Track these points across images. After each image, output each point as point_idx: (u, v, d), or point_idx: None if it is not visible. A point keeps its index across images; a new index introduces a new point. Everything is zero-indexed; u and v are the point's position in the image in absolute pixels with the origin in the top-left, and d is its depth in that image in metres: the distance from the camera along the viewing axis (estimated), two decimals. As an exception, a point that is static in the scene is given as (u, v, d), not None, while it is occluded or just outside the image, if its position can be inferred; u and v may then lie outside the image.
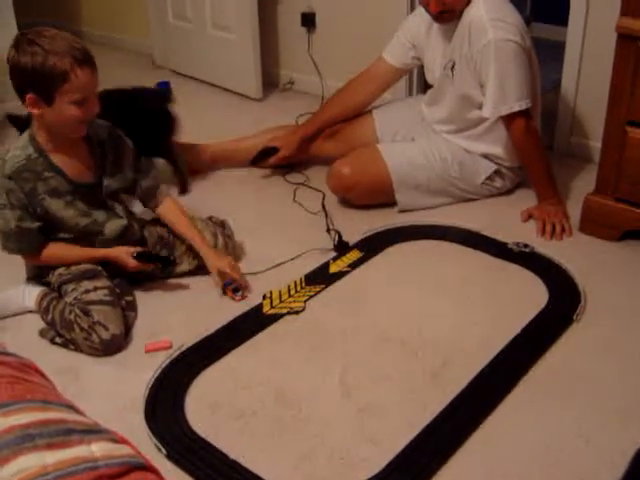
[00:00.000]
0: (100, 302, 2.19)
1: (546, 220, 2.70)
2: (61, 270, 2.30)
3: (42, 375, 0.93)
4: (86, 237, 2.32)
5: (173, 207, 2.48)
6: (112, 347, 2.16)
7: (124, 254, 2.30)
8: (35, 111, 2.11)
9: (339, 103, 3.12)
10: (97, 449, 0.75)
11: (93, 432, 0.78)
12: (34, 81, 2.06)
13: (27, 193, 2.18)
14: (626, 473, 0.57)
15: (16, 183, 2.16)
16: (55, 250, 2.29)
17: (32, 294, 2.33)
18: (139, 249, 2.33)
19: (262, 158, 3.11)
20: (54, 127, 2.18)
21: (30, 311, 2.33)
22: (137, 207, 2.57)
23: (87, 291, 2.22)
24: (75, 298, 2.21)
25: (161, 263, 2.39)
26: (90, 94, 2.14)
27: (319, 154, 3.15)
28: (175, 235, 2.48)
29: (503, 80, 2.60)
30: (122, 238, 2.36)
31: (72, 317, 2.16)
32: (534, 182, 2.83)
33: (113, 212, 2.37)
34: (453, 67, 2.73)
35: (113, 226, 2.35)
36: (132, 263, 2.29)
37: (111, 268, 2.33)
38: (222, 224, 2.60)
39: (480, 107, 2.72)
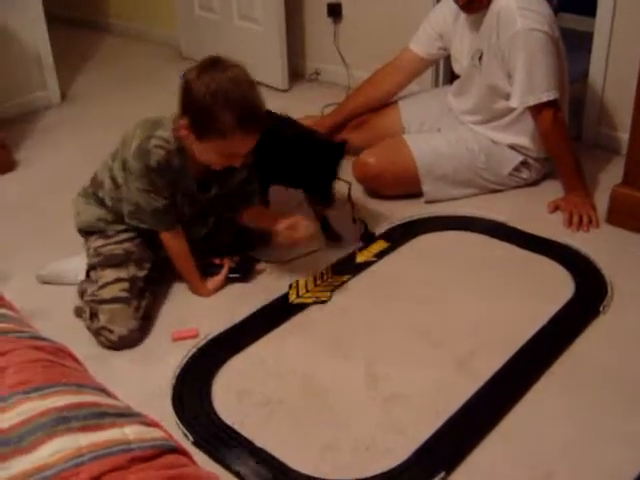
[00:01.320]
0: (112, 300, 2.18)
1: (573, 211, 2.68)
2: (98, 243, 2.30)
3: (75, 359, 0.95)
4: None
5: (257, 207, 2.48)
6: (123, 345, 2.16)
7: (209, 292, 2.37)
8: (183, 133, 2.11)
9: (365, 93, 3.12)
10: (130, 432, 0.76)
11: (126, 415, 0.80)
12: (195, 114, 2.06)
13: (167, 183, 2.19)
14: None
15: (158, 174, 2.16)
16: (179, 245, 2.31)
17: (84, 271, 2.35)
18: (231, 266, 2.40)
19: None
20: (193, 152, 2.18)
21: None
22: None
23: (105, 285, 2.21)
24: (92, 293, 2.22)
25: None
26: (241, 153, 2.15)
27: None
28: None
29: (531, 70, 2.59)
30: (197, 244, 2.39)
31: (87, 314, 2.19)
32: (561, 173, 2.81)
33: (202, 220, 2.40)
34: (481, 57, 2.72)
35: (193, 233, 2.37)
36: (205, 292, 2.37)
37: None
38: None
39: (507, 97, 2.71)
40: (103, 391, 0.86)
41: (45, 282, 2.44)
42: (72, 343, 2.15)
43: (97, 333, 2.16)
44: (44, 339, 0.93)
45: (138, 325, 2.19)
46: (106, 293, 2.20)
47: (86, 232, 2.37)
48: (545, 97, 2.62)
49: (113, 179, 2.28)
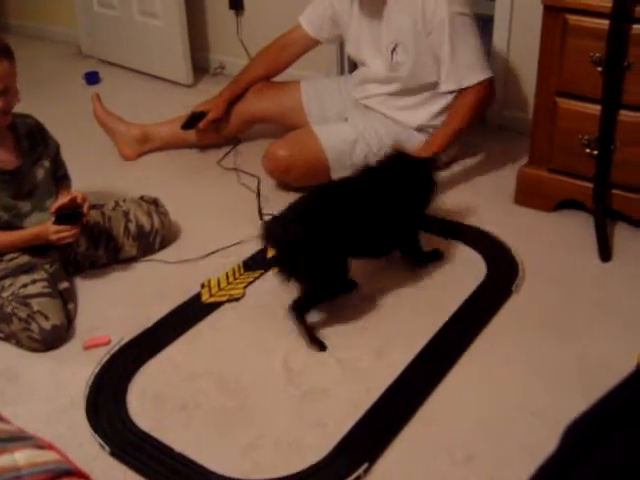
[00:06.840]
0: (39, 295, 2.14)
1: None
2: None
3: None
4: (11, 229, 2.26)
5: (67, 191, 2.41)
6: (52, 338, 2.11)
7: (47, 226, 2.20)
8: None
9: (256, 70, 3.14)
10: (20, 457, 0.72)
11: (16, 440, 0.75)
12: None
13: None
14: (557, 449, 0.56)
15: None
16: None
17: None
18: (58, 205, 2.22)
19: (191, 124, 3.09)
20: None
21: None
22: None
23: (25, 285, 2.17)
24: (12, 293, 2.16)
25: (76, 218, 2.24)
26: (8, 85, 2.13)
27: (247, 114, 3.13)
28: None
29: (467, 51, 2.64)
30: None
31: (10, 310, 2.12)
32: (435, 131, 2.79)
33: (40, 203, 2.31)
34: (395, 49, 2.70)
35: (37, 219, 2.29)
36: (52, 229, 2.18)
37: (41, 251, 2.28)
38: (155, 202, 2.56)
39: (430, 86, 2.74)
40: (-7, 415, 0.81)
41: None
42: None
43: (26, 325, 2.09)
44: None
45: (66, 322, 2.16)
46: (29, 290, 2.15)
47: None
48: (484, 75, 2.67)
49: None
